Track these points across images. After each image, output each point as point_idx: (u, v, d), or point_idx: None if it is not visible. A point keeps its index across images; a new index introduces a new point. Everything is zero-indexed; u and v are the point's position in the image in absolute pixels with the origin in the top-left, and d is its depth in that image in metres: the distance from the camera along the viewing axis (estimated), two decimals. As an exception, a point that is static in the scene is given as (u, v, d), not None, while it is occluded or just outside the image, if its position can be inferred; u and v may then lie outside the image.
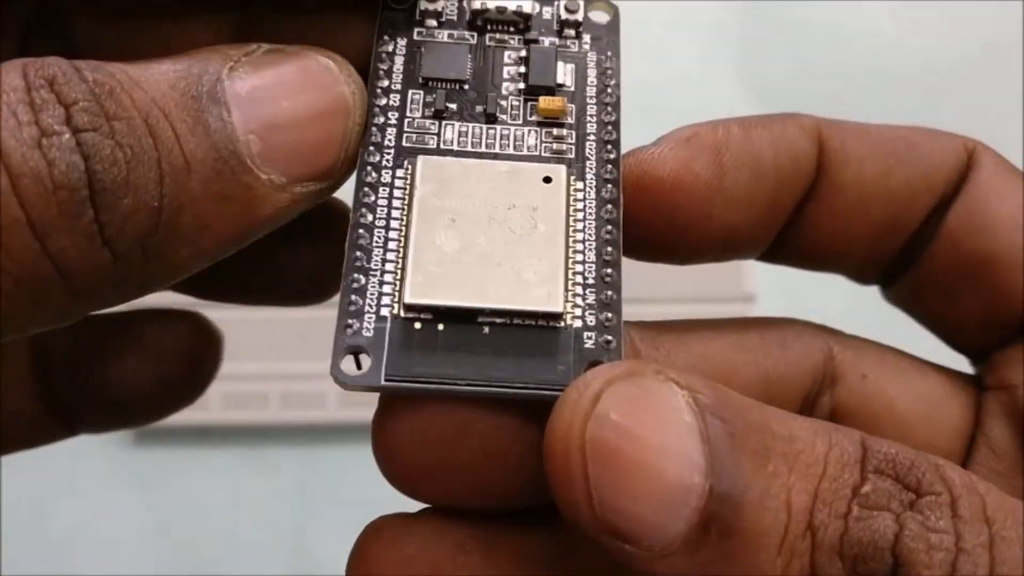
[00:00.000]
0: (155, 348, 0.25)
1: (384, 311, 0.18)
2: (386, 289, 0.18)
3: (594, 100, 0.20)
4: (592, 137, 0.20)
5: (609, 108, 0.20)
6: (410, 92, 0.20)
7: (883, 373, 0.22)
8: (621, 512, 0.15)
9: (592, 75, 0.20)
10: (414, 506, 0.19)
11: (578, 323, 0.18)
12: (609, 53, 0.21)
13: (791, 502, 0.15)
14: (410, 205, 0.18)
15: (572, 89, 0.20)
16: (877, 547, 0.15)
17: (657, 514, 0.15)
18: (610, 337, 0.18)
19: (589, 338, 0.18)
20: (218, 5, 0.21)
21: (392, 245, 0.18)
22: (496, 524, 0.19)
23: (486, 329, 0.18)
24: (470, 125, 0.20)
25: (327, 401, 0.45)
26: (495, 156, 0.19)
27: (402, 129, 0.19)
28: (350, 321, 0.17)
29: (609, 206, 0.19)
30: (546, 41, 0.21)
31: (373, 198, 0.18)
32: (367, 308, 0.18)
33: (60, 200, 0.16)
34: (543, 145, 0.20)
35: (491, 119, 0.20)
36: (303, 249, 0.24)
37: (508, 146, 0.19)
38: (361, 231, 0.18)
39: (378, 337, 0.17)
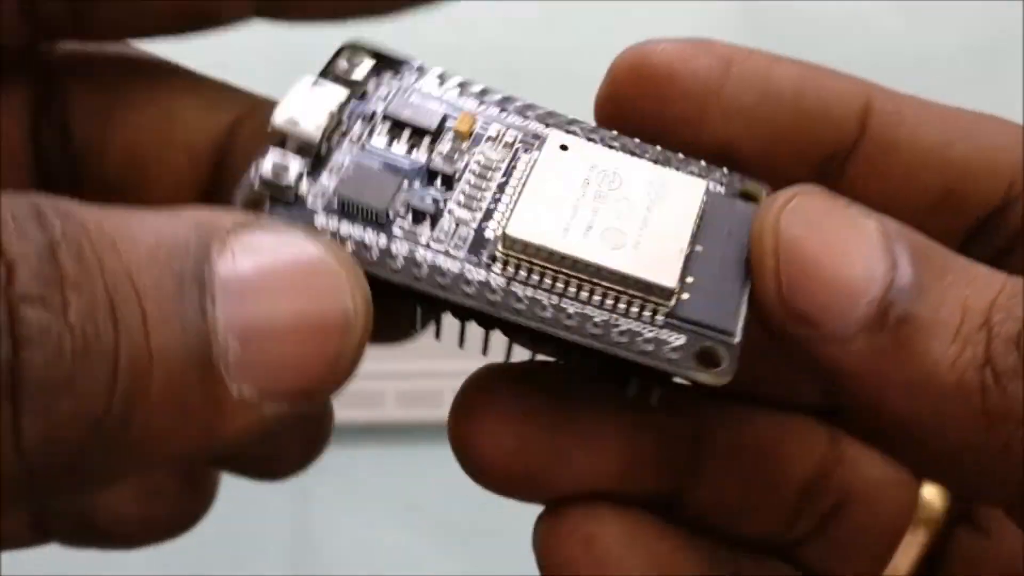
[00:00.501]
0: (145, 483, 0.24)
1: None
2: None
3: None
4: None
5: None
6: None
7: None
8: (806, 297, 0.16)
9: None
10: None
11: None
12: None
13: (968, 305, 0.16)
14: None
15: None
16: None
17: (840, 299, 0.16)
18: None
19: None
20: (11, 79, 0.19)
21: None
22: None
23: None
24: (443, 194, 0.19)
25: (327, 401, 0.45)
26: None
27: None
28: None
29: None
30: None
31: None
32: None
33: None
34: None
35: (446, 181, 0.19)
36: None
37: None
38: None
39: None
